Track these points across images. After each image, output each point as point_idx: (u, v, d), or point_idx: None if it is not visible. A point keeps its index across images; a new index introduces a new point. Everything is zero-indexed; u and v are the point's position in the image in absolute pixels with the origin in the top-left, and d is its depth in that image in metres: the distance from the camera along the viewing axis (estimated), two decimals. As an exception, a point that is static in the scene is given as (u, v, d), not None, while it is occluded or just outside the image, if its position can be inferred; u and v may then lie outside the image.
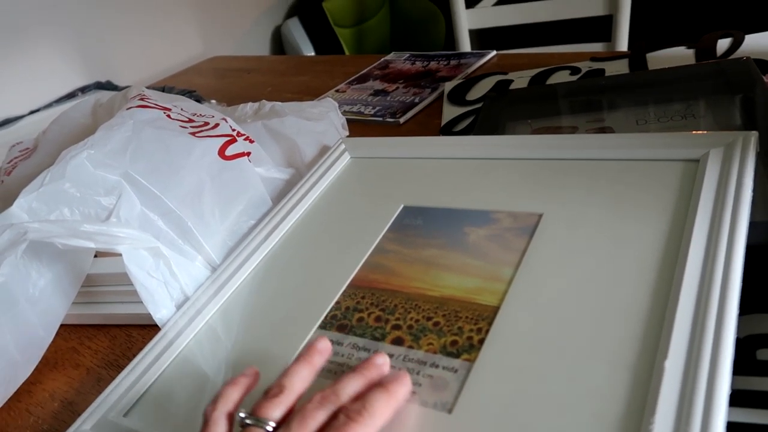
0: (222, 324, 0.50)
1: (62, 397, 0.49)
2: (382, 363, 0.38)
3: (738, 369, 0.35)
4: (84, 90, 1.26)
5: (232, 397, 0.37)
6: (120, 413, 0.44)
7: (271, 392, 0.36)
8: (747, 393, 0.36)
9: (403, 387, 0.36)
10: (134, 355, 0.48)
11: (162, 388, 0.46)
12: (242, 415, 0.35)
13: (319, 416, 0.33)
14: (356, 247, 0.51)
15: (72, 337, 0.56)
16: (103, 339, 0.55)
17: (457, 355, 0.39)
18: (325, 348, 0.39)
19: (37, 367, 0.51)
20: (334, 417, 0.33)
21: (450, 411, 0.36)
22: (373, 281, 0.48)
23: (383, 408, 0.34)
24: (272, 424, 0.34)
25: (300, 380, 0.37)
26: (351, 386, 0.36)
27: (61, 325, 0.53)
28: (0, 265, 0.46)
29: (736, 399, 0.35)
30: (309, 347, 0.39)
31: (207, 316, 0.51)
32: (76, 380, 0.51)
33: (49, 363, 0.53)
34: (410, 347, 0.41)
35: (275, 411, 0.35)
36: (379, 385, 0.36)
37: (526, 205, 0.49)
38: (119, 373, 0.47)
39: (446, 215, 0.51)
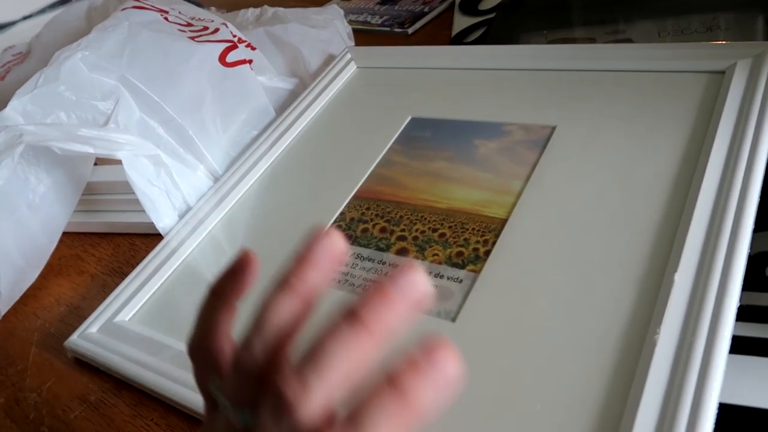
0: (225, 234, 0.49)
1: (68, 301, 0.50)
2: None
3: (746, 285, 0.35)
4: (78, -5, 1.20)
5: (212, 330, 0.25)
6: (125, 317, 0.44)
7: (242, 362, 0.22)
8: (754, 308, 0.36)
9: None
10: (138, 263, 0.48)
11: (166, 294, 0.46)
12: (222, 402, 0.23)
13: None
14: (361, 159, 0.50)
15: (76, 244, 0.56)
16: (106, 247, 0.55)
17: (462, 266, 0.39)
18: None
19: (42, 273, 0.51)
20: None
21: (453, 319, 0.36)
22: (378, 193, 0.47)
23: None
24: (247, 413, 0.21)
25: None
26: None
27: (65, 233, 0.53)
28: (-3, 169, 0.45)
29: (744, 313, 0.34)
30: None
31: (210, 226, 0.50)
32: (81, 286, 0.51)
33: (53, 269, 0.53)
34: (415, 258, 0.40)
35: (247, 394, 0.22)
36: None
37: (539, 117, 0.47)
38: (123, 279, 0.47)
39: (456, 127, 0.50)
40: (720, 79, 0.43)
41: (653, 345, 0.30)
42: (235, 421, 0.22)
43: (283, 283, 0.23)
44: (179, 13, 0.63)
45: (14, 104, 0.47)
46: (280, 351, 0.22)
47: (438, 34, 0.77)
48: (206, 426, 0.25)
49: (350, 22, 0.80)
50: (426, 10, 0.83)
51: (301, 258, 0.24)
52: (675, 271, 0.32)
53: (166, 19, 0.60)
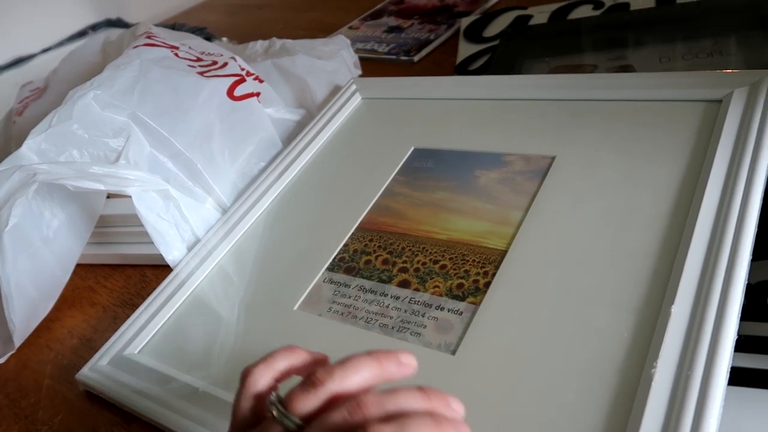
0: (233, 265, 0.50)
1: (80, 333, 0.51)
2: (408, 362, 0.30)
3: (748, 315, 0.35)
4: (95, 28, 1.24)
5: (276, 365, 0.30)
6: (134, 350, 0.45)
7: (310, 381, 0.28)
8: (755, 339, 0.36)
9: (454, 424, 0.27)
10: (148, 294, 0.49)
11: (174, 326, 0.47)
12: (272, 398, 0.28)
13: None
14: (365, 190, 0.51)
15: (88, 276, 0.57)
16: (118, 278, 0.56)
17: (462, 298, 0.39)
18: (408, 363, 0.30)
19: (55, 305, 0.53)
20: None
21: (453, 352, 0.36)
22: (381, 224, 0.47)
23: None
24: (297, 422, 0.27)
25: (352, 378, 0.28)
26: (384, 404, 0.27)
27: (78, 265, 0.54)
28: (12, 207, 0.46)
29: (744, 344, 0.34)
30: (391, 353, 0.30)
31: (218, 258, 0.51)
32: (93, 318, 0.52)
33: (67, 301, 0.55)
34: (416, 290, 0.41)
35: (306, 405, 0.28)
36: (425, 410, 0.27)
37: (539, 147, 0.47)
38: (134, 311, 0.48)
39: (457, 158, 0.50)
40: (717, 107, 0.43)
41: (650, 378, 0.30)
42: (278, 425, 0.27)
43: (371, 355, 0.30)
44: (189, 48, 0.65)
45: (29, 143, 0.49)
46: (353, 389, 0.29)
47: (443, 61, 0.78)
48: None
49: (357, 50, 0.82)
50: (432, 37, 0.84)
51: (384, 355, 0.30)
52: (672, 303, 0.33)
53: (176, 55, 0.62)
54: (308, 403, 0.28)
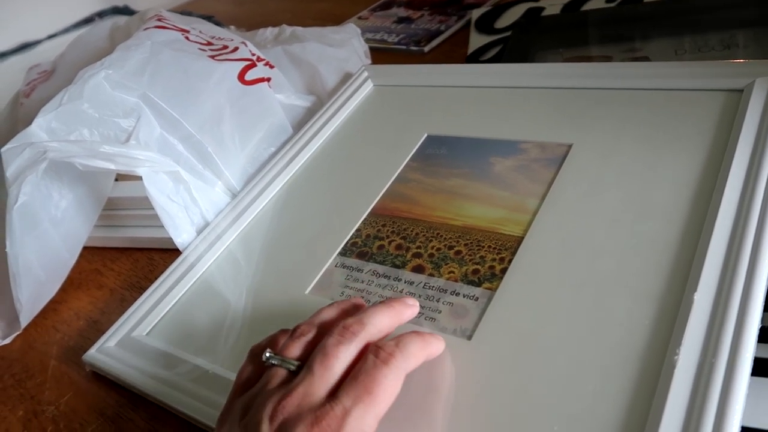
0: (242, 250, 0.50)
1: (87, 316, 0.50)
2: (413, 304, 0.35)
3: (768, 305, 0.34)
4: (101, 15, 1.24)
5: (279, 341, 0.33)
6: (142, 332, 0.44)
7: (296, 333, 0.32)
8: (776, 329, 0.35)
9: (439, 342, 0.33)
10: (156, 278, 0.49)
11: (183, 309, 0.46)
12: (267, 354, 0.31)
13: (344, 354, 0.30)
14: (378, 176, 0.50)
15: (95, 259, 0.57)
16: (125, 261, 0.56)
17: (478, 284, 0.38)
18: (413, 303, 0.35)
19: (62, 287, 0.52)
20: (362, 354, 0.30)
21: (469, 338, 0.36)
22: (394, 210, 0.47)
23: (417, 353, 0.31)
24: (295, 363, 0.31)
25: (324, 317, 0.34)
26: (379, 319, 0.32)
27: (85, 248, 0.54)
28: (22, 184, 0.45)
29: (766, 335, 0.34)
30: (350, 300, 0.36)
31: (227, 242, 0.51)
32: (100, 300, 0.52)
33: (73, 283, 0.54)
34: (431, 275, 0.40)
35: (296, 349, 0.32)
36: (413, 331, 0.32)
37: (556, 135, 0.47)
38: (141, 294, 0.48)
39: (471, 145, 0.50)
40: (738, 97, 0.43)
41: (673, 366, 0.29)
42: (283, 370, 0.31)
43: (336, 303, 0.36)
44: (200, 32, 0.65)
45: (39, 121, 0.48)
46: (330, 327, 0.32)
47: (454, 52, 0.78)
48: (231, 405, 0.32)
49: (367, 40, 0.81)
50: (442, 28, 0.84)
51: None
52: (694, 290, 0.32)
53: (187, 38, 0.61)
54: (298, 345, 0.32)
